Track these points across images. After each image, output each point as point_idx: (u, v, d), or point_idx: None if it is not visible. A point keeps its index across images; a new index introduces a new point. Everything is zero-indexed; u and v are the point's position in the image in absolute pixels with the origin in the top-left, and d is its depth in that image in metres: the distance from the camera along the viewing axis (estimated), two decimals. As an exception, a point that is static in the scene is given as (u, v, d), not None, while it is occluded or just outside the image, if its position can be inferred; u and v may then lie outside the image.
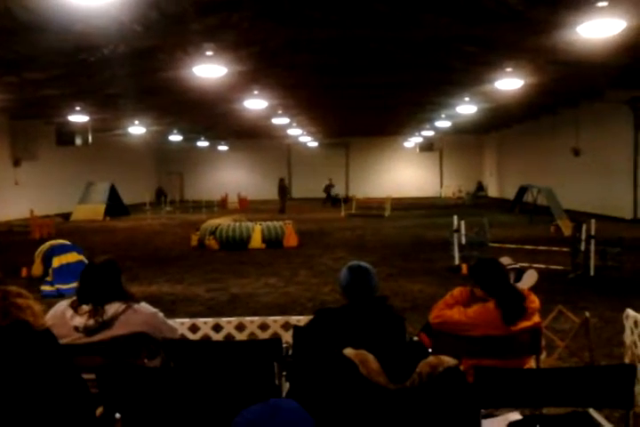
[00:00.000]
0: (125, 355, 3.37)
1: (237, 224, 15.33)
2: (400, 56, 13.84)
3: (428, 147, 37.37)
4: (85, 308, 3.39)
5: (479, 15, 10.03)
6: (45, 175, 25.97)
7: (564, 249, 11.65)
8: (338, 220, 23.29)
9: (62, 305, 3.47)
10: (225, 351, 3.53)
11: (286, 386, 3.42)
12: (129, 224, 22.73)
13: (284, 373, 3.44)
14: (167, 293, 9.42)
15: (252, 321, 4.64)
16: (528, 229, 18.05)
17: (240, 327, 4.64)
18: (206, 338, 4.56)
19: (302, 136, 35.65)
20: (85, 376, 2.67)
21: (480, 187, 40.62)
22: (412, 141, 38.79)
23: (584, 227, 10.02)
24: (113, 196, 26.86)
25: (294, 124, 29.03)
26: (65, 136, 24.48)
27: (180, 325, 4.46)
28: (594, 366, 4.42)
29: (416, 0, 9.64)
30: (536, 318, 3.60)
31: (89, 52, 12.25)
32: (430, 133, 33.84)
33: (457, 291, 3.78)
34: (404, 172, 41.46)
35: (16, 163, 24.20)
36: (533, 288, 4.18)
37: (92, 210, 25.20)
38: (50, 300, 7.76)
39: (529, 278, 4.47)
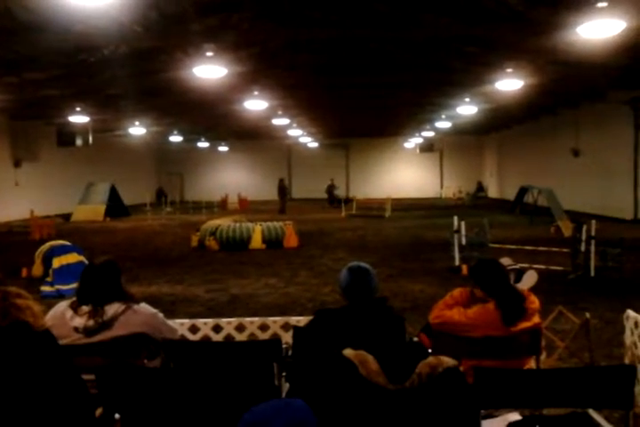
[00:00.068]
0: (125, 356, 3.37)
1: (237, 225, 15.33)
2: (400, 56, 13.85)
3: (428, 147, 37.36)
4: (85, 308, 3.39)
5: (479, 15, 10.03)
6: (46, 176, 25.98)
7: (565, 250, 11.64)
8: (338, 220, 23.29)
9: (62, 306, 3.47)
10: (225, 352, 3.53)
11: (286, 387, 3.42)
12: (129, 225, 22.74)
13: (284, 373, 3.43)
14: (167, 293, 9.42)
15: (251, 322, 4.64)
16: (528, 230, 18.05)
17: (240, 328, 4.64)
18: (206, 339, 4.56)
19: (302, 137, 35.67)
20: (85, 377, 2.67)
21: (480, 187, 40.62)
22: (413, 142, 38.78)
23: (584, 227, 10.01)
24: (113, 196, 26.86)
25: (294, 125, 29.04)
26: (65, 137, 24.48)
27: (180, 325, 4.46)
28: (594, 367, 4.42)
29: (416, 0, 9.64)
30: (536, 319, 3.60)
31: (89, 53, 12.26)
32: (430, 134, 33.83)
33: (457, 291, 3.78)
34: (405, 172, 41.45)
35: (16, 164, 24.21)
36: (533, 289, 4.18)
37: (92, 211, 25.21)
38: (50, 300, 7.76)
39: (529, 279, 4.47)
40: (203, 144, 37.75)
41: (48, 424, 2.34)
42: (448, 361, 2.35)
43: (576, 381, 2.90)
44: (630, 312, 4.34)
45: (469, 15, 10.05)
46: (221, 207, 31.67)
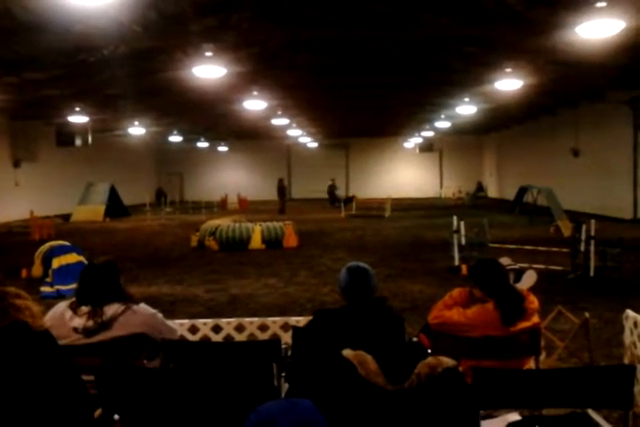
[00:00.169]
0: (124, 356, 3.37)
1: (237, 225, 15.33)
2: (400, 57, 13.85)
3: (427, 147, 37.37)
4: (84, 309, 3.39)
5: (478, 16, 10.03)
6: (45, 176, 25.96)
7: (564, 250, 11.64)
8: (338, 220, 23.29)
9: (61, 306, 3.47)
10: (224, 352, 3.53)
11: (285, 387, 3.42)
12: (129, 225, 22.73)
13: (283, 374, 3.43)
14: (167, 293, 9.42)
15: (251, 322, 4.64)
16: (528, 230, 18.05)
17: (239, 328, 4.64)
18: (206, 339, 4.56)
19: (302, 137, 35.66)
20: (84, 377, 2.66)
21: (480, 187, 40.62)
22: (412, 142, 38.79)
23: (584, 227, 10.01)
24: (113, 197, 26.86)
25: (294, 125, 29.04)
26: (65, 137, 24.48)
27: (180, 326, 4.46)
28: (593, 367, 4.42)
29: (416, 0, 9.65)
30: (535, 319, 3.60)
31: (88, 53, 12.26)
32: (430, 134, 33.84)
33: (456, 292, 3.78)
34: (404, 172, 41.46)
35: (16, 164, 24.20)
36: (533, 289, 4.18)
37: (91, 211, 25.20)
38: (49, 301, 7.76)
39: (528, 279, 4.47)
40: (202, 144, 37.74)
41: (47, 425, 2.34)
42: (447, 361, 2.35)
43: (575, 381, 2.90)
44: (629, 312, 4.34)
45: (469, 15, 10.06)
46: (221, 207, 31.67)
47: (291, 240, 14.94)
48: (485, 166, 40.64)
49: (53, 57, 12.45)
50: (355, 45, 12.71)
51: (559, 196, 19.11)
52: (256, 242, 14.76)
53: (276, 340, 3.67)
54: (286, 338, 4.14)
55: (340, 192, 35.19)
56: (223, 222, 15.88)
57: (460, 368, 3.10)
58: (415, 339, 3.82)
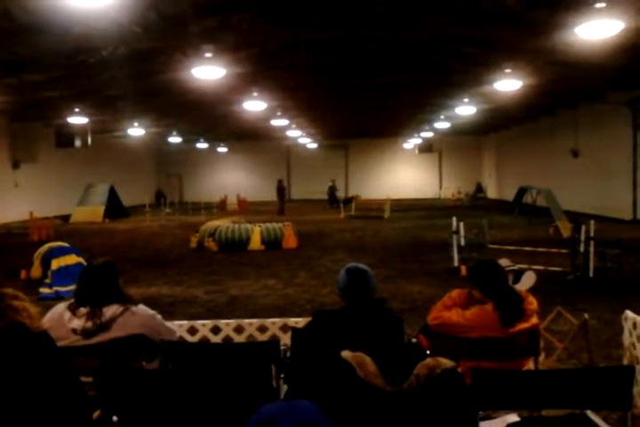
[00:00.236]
0: (123, 357, 3.37)
1: (236, 226, 15.32)
2: (399, 57, 13.85)
3: (427, 148, 37.39)
4: (83, 310, 3.39)
5: (478, 16, 10.04)
6: (45, 177, 25.96)
7: (564, 250, 11.65)
8: (337, 221, 23.29)
9: (60, 307, 3.46)
10: (223, 354, 3.53)
11: (284, 388, 3.41)
12: (128, 226, 22.73)
13: (282, 375, 3.43)
14: (166, 295, 9.41)
15: (250, 323, 4.64)
16: (527, 231, 18.05)
17: (239, 329, 4.64)
18: (205, 340, 4.55)
19: (301, 138, 35.67)
20: (83, 379, 2.66)
21: (479, 188, 40.63)
22: (412, 143, 38.80)
23: (583, 228, 10.02)
24: (112, 197, 26.85)
25: (293, 126, 29.05)
26: (64, 138, 24.47)
27: (179, 327, 4.46)
28: (592, 368, 4.42)
29: (414, 1, 9.65)
30: (534, 320, 3.60)
31: (88, 54, 12.26)
32: (429, 135, 33.86)
33: (455, 293, 3.78)
34: (404, 173, 41.47)
35: (15, 165, 24.20)
36: (532, 290, 4.18)
37: (91, 212, 25.19)
38: (48, 302, 7.76)
39: (527, 280, 4.48)
40: (202, 145, 37.75)
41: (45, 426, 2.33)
42: (446, 362, 2.35)
43: (574, 382, 2.90)
44: (629, 313, 4.34)
45: (468, 16, 10.06)
46: (220, 208, 31.67)
47: (290, 241, 14.94)
48: (485, 167, 40.65)
49: (53, 58, 12.45)
50: (354, 46, 12.71)
51: (558, 196, 19.11)
52: (255, 243, 14.76)
53: (274, 341, 3.66)
54: (285, 339, 4.14)
55: (340, 193, 35.21)
56: (222, 223, 15.87)
57: (460, 369, 3.11)
58: (414, 340, 3.82)
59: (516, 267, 4.73)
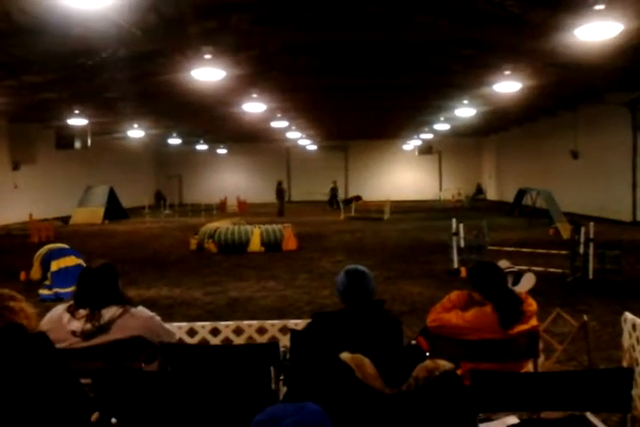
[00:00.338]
0: (122, 359, 3.37)
1: (236, 227, 15.31)
2: (399, 59, 13.88)
3: (426, 150, 37.37)
4: (82, 312, 3.39)
5: (477, 18, 10.05)
6: (44, 179, 25.96)
7: (563, 252, 11.64)
8: (337, 223, 23.29)
9: (59, 309, 3.46)
10: (222, 355, 3.52)
11: (284, 390, 3.41)
12: (128, 228, 22.72)
13: (282, 377, 3.43)
14: (165, 296, 9.41)
15: (249, 325, 4.63)
16: (527, 232, 18.05)
17: (238, 331, 4.64)
18: (204, 342, 4.55)
19: (301, 139, 35.65)
20: (82, 381, 2.66)
21: (479, 190, 40.63)
22: (411, 144, 38.80)
23: (583, 230, 10.01)
24: (112, 199, 26.84)
25: (293, 128, 29.03)
26: (64, 139, 24.42)
27: (178, 329, 4.46)
28: (592, 370, 4.41)
29: (413, 3, 9.67)
30: (533, 322, 3.60)
31: (88, 56, 12.27)
32: (429, 136, 33.84)
33: (454, 294, 3.77)
34: (403, 175, 41.46)
35: (15, 166, 24.19)
36: (531, 291, 4.18)
37: (91, 213, 25.18)
38: (48, 303, 7.76)
39: (527, 282, 4.48)
40: (201, 147, 37.72)
41: (44, 428, 2.33)
42: (445, 364, 2.34)
43: (574, 384, 2.90)
44: (628, 315, 4.33)
45: (467, 18, 10.08)
46: (220, 210, 31.64)
47: (290, 243, 14.93)
48: (484, 169, 40.66)
49: (52, 60, 12.46)
50: (353, 48, 12.74)
51: (558, 198, 19.10)
52: (255, 245, 14.75)
53: (274, 343, 3.66)
54: (285, 341, 4.13)
55: (340, 195, 35.17)
56: (222, 225, 15.86)
57: (459, 371, 3.10)
58: (414, 342, 3.82)
59: (516, 268, 4.74)
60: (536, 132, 28.41)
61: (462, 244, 11.16)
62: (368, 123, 29.80)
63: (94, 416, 2.74)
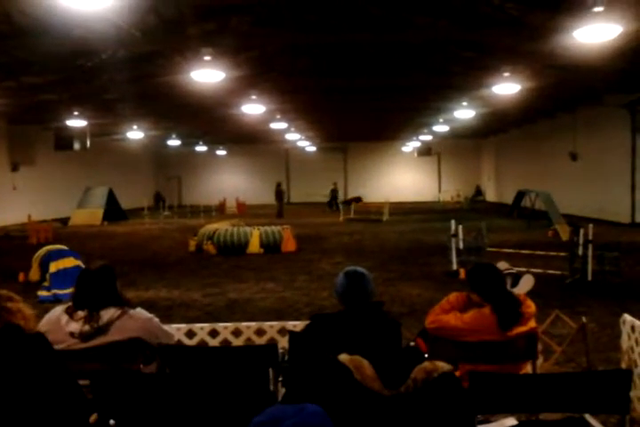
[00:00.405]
0: (121, 361, 3.37)
1: (235, 229, 15.31)
2: (398, 61, 13.88)
3: (426, 151, 37.37)
4: (81, 313, 3.38)
5: (476, 20, 10.06)
6: (43, 180, 25.95)
7: (562, 254, 11.63)
8: (336, 224, 23.29)
9: (57, 311, 3.46)
10: (221, 357, 3.52)
11: (282, 391, 3.41)
12: (127, 229, 22.71)
13: (280, 378, 3.43)
14: (164, 298, 9.40)
15: (248, 326, 4.63)
16: (526, 234, 18.05)
17: (236, 333, 4.64)
18: (203, 343, 4.55)
19: (300, 141, 35.66)
20: (81, 382, 2.66)
21: (478, 191, 40.65)
22: (410, 146, 38.81)
23: (582, 231, 10.02)
24: (111, 200, 26.83)
25: (292, 129, 29.03)
26: (63, 141, 24.41)
27: (177, 330, 4.46)
28: (590, 372, 4.41)
29: (413, 5, 9.68)
30: (532, 324, 3.60)
31: (87, 57, 12.27)
32: (428, 138, 33.86)
33: (453, 296, 3.77)
34: (403, 176, 41.48)
35: (14, 168, 24.18)
36: (530, 293, 4.18)
37: (90, 215, 25.17)
38: (47, 305, 7.75)
39: (525, 283, 4.47)
40: (201, 148, 37.72)
41: (42, 430, 2.33)
42: (443, 366, 2.34)
43: (573, 385, 2.90)
44: (627, 316, 4.34)
45: (467, 20, 10.09)
46: (219, 211, 31.63)
47: (289, 244, 14.93)
48: (484, 170, 40.68)
49: (52, 61, 12.46)
50: (353, 49, 12.75)
51: (557, 199, 19.11)
52: (254, 246, 14.74)
53: (272, 344, 3.66)
54: (283, 342, 4.14)
55: (339, 196, 35.18)
56: (221, 226, 15.86)
57: (458, 373, 3.10)
58: (412, 343, 3.81)
59: (515, 270, 4.73)
60: (535, 134, 28.43)
61: (461, 245, 11.16)
62: (367, 124, 29.82)
63: (92, 418, 2.74)
